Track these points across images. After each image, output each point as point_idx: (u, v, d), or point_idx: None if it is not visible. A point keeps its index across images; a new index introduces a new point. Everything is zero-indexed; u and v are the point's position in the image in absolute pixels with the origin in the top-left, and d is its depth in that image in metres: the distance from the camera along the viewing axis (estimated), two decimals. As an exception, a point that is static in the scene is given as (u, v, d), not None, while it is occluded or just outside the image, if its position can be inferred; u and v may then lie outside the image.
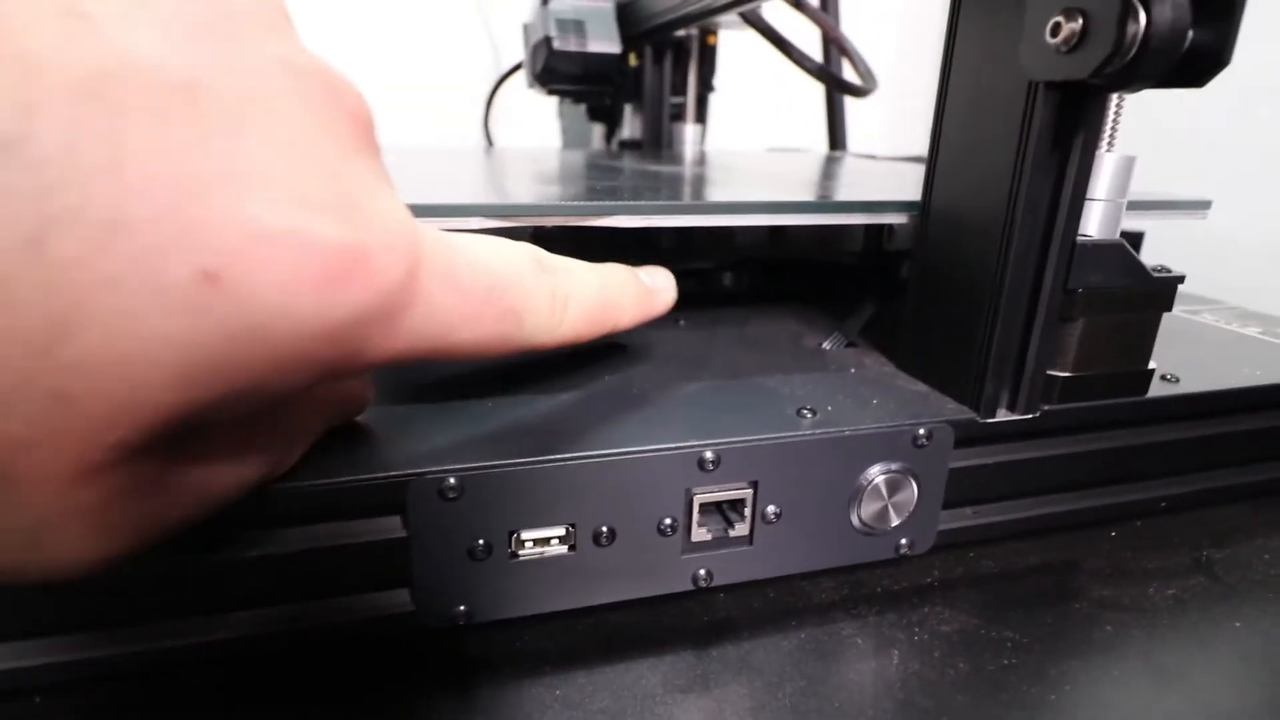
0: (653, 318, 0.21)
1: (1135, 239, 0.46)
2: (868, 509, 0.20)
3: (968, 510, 0.23)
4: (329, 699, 0.17)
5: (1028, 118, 0.18)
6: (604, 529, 0.18)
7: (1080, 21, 0.16)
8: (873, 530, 0.21)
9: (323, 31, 0.77)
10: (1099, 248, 0.20)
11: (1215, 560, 0.24)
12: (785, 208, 0.23)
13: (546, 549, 0.18)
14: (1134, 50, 0.16)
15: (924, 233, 0.23)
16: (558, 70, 0.48)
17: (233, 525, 0.16)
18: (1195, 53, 0.17)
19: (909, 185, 0.28)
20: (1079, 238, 0.20)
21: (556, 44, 0.47)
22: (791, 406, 0.21)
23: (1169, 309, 0.22)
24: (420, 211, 0.18)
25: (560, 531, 0.18)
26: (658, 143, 0.58)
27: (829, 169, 0.43)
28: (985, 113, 0.20)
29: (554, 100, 0.72)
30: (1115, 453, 0.23)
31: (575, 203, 0.22)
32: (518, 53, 0.69)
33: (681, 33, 0.55)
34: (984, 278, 0.20)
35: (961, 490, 0.22)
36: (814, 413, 0.20)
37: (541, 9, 0.49)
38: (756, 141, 0.77)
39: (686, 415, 0.20)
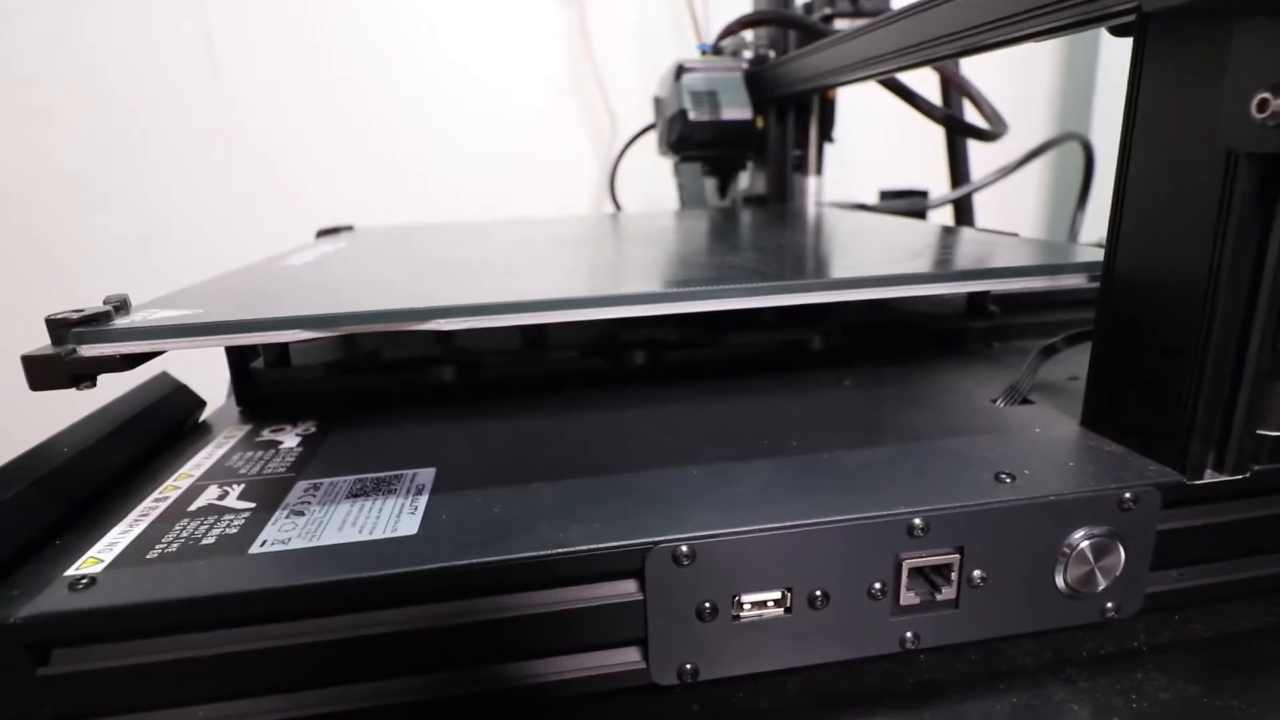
0: None
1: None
2: (1073, 573, 0.21)
3: (1173, 572, 0.22)
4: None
5: (1228, 186, 0.19)
6: (818, 592, 0.19)
7: (1290, 97, 0.16)
8: (1078, 594, 0.21)
9: (459, 109, 0.84)
10: (1309, 306, 0.20)
11: None
12: (972, 275, 0.24)
13: (765, 611, 0.19)
14: (1350, 120, 0.16)
15: (1110, 294, 0.23)
16: (692, 139, 0.51)
17: (476, 590, 0.18)
18: None
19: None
20: (1286, 296, 0.20)
21: (692, 115, 0.50)
22: (987, 471, 0.21)
23: (1387, 363, 0.21)
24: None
25: (777, 595, 0.19)
26: (781, 196, 0.60)
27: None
28: (1174, 179, 0.20)
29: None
30: (1334, 512, 0.22)
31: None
32: (632, 121, 0.73)
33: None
34: (1186, 339, 0.20)
35: (1168, 553, 0.22)
36: (1013, 478, 0.21)
37: (674, 83, 0.52)
38: (870, 186, 0.77)
39: (887, 481, 0.21)
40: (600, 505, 0.20)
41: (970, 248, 0.31)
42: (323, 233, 0.52)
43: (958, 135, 0.58)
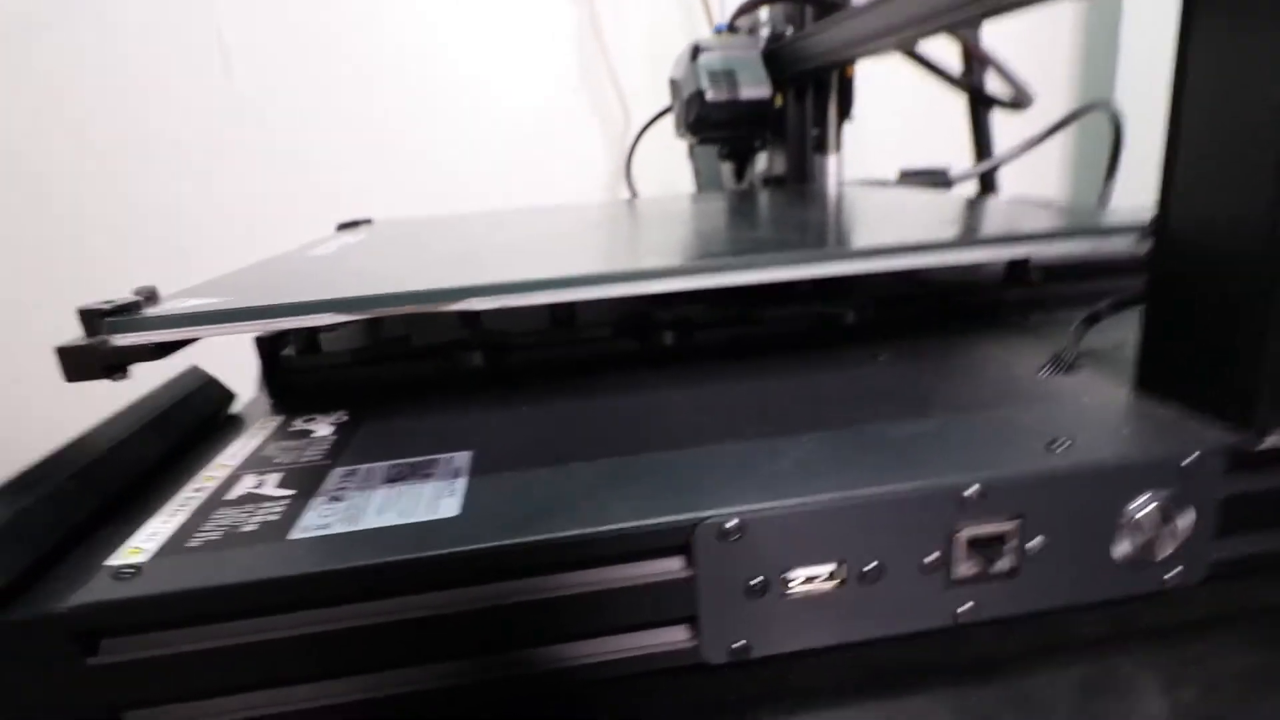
0: None
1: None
2: (1135, 540, 0.20)
3: (1238, 539, 0.22)
4: (626, 730, 0.18)
5: (1293, 132, 0.18)
6: (871, 565, 0.19)
7: (1365, 31, 0.16)
8: (1140, 562, 0.20)
9: (473, 103, 0.84)
10: (1380, 256, 0.19)
11: None
12: (1017, 240, 0.23)
13: (816, 586, 0.19)
14: None
15: (1163, 254, 0.22)
16: (710, 119, 0.50)
17: (523, 570, 0.18)
18: None
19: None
20: (1355, 247, 0.19)
21: (710, 95, 0.49)
22: (1038, 439, 0.21)
23: None
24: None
25: (829, 569, 0.19)
26: (801, 175, 0.59)
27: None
28: (1231, 132, 0.19)
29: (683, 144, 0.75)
30: (1406, 472, 0.22)
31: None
32: (644, 110, 0.73)
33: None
34: (1250, 293, 0.19)
35: (1233, 518, 0.21)
36: (1067, 445, 0.20)
37: (690, 64, 0.51)
38: (888, 165, 0.76)
39: (936, 452, 0.20)
40: (641, 482, 0.20)
41: (1009, 215, 0.30)
42: (343, 226, 0.51)
43: (983, 106, 0.57)
